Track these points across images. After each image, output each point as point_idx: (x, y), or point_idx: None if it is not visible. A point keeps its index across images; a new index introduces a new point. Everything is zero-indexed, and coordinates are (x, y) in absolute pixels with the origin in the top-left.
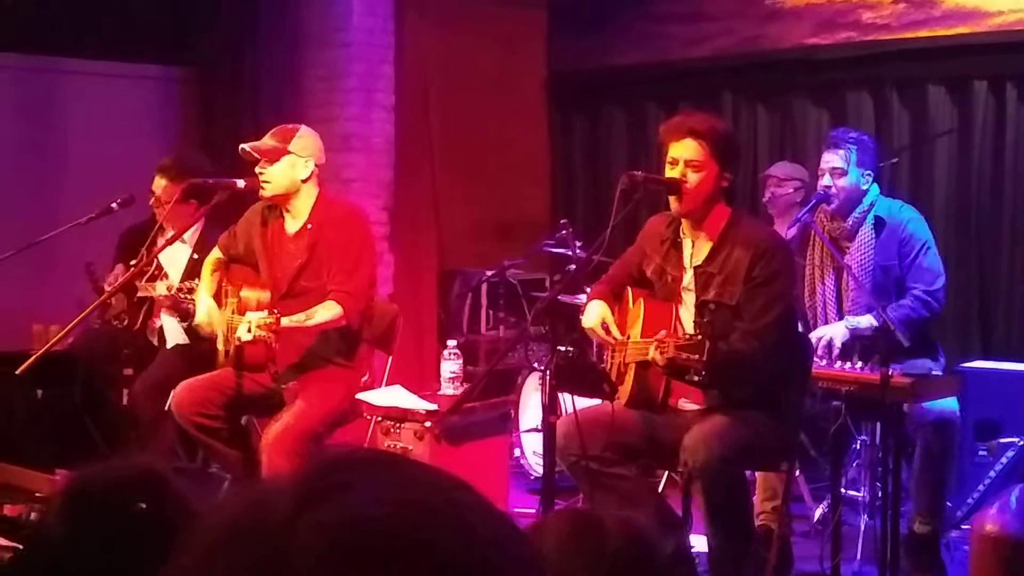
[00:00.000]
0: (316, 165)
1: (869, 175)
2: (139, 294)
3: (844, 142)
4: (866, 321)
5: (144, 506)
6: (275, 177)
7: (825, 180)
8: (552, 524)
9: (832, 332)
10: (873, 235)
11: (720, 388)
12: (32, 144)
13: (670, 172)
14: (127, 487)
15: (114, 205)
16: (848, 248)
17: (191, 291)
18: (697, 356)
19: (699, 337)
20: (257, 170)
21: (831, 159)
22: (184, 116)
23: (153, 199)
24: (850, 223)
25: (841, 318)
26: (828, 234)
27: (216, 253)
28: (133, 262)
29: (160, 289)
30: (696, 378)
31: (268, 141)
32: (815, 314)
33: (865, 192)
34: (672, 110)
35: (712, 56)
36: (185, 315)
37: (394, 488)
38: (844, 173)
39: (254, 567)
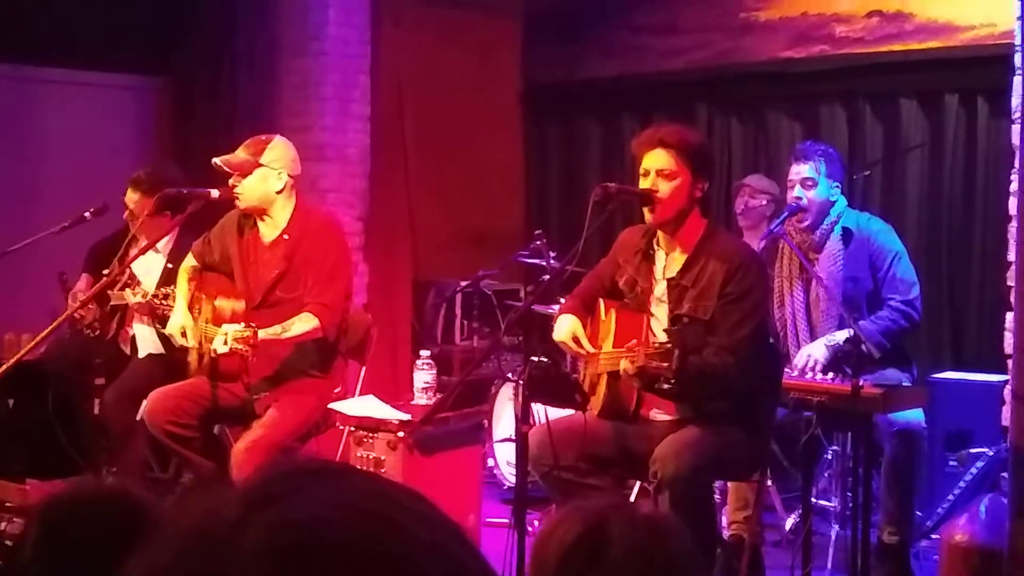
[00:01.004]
0: (290, 176)
1: (837, 187)
2: (112, 303)
3: (813, 154)
4: (842, 336)
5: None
6: (248, 190)
7: (796, 192)
8: (558, 533)
9: (813, 352)
10: (841, 246)
11: (692, 400)
12: (7, 153)
13: (643, 183)
14: (99, 509)
15: (87, 214)
16: (816, 259)
17: (167, 296)
18: (666, 364)
19: (668, 345)
20: (231, 182)
21: (801, 170)
22: (160, 126)
23: (127, 212)
24: (818, 235)
25: (811, 330)
26: (798, 245)
27: (191, 260)
28: (105, 272)
29: (135, 297)
30: (666, 386)
31: (240, 154)
32: (784, 327)
33: (833, 204)
34: (647, 122)
35: (687, 68)
36: (163, 321)
37: (341, 494)
38: (815, 184)
39: (199, 572)
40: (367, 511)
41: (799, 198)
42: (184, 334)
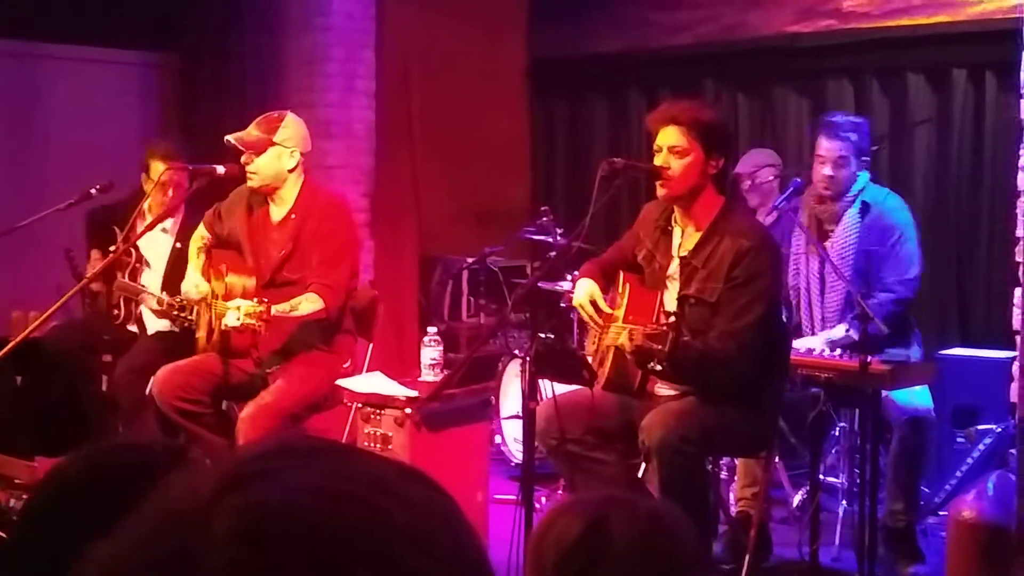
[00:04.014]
0: (302, 154)
1: (865, 160)
2: (122, 294)
3: (848, 130)
4: (840, 331)
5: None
6: (261, 169)
7: (826, 170)
8: (556, 529)
9: (813, 348)
10: (859, 219)
11: (688, 383)
12: (13, 129)
13: (656, 160)
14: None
15: (93, 191)
16: (832, 231)
17: (183, 308)
18: (660, 347)
19: (664, 328)
20: (243, 160)
21: (834, 147)
22: (166, 102)
23: (155, 185)
24: (839, 207)
25: (823, 302)
26: (815, 216)
27: (202, 231)
28: (112, 248)
29: (151, 302)
30: (658, 367)
31: (253, 132)
32: (797, 295)
33: (857, 177)
34: (653, 97)
35: (693, 43)
36: (180, 325)
37: (320, 476)
38: (847, 163)
39: (169, 552)
40: (344, 494)
41: (831, 176)
42: (198, 287)
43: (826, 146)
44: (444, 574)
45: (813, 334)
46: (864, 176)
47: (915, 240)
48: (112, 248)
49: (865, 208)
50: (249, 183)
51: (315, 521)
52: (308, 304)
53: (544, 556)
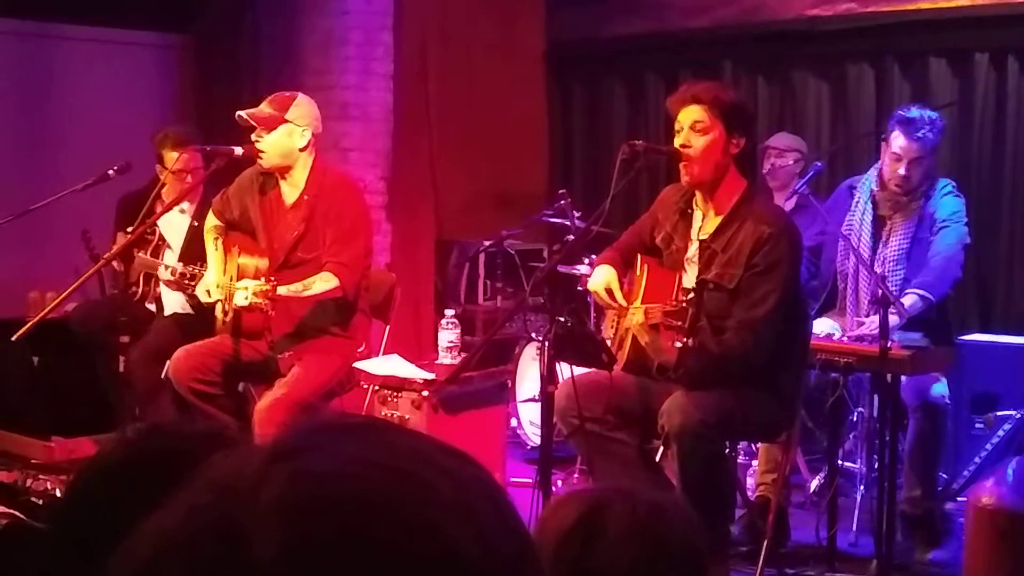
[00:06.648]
0: (313, 134)
1: (936, 156)
2: (141, 270)
3: (923, 131)
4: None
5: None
6: (272, 147)
7: (901, 170)
8: (556, 517)
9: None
10: (919, 211)
11: (706, 387)
12: (28, 111)
13: (677, 140)
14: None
15: (111, 172)
16: (894, 220)
17: (193, 277)
18: (680, 323)
19: (684, 304)
20: (253, 138)
21: (912, 148)
22: (181, 83)
23: (169, 175)
24: (908, 199)
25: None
26: (880, 202)
27: (213, 219)
28: (130, 229)
29: (165, 272)
30: (679, 344)
31: (265, 109)
32: (844, 281)
33: (929, 174)
34: (672, 80)
35: (712, 26)
36: (189, 299)
37: (365, 448)
38: (924, 162)
39: (217, 522)
40: (388, 466)
41: (907, 177)
42: (209, 292)
43: (902, 144)
44: (487, 543)
45: (857, 318)
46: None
47: (957, 235)
48: (129, 229)
49: (926, 199)
50: (260, 161)
51: (361, 490)
52: (322, 283)
53: (544, 543)
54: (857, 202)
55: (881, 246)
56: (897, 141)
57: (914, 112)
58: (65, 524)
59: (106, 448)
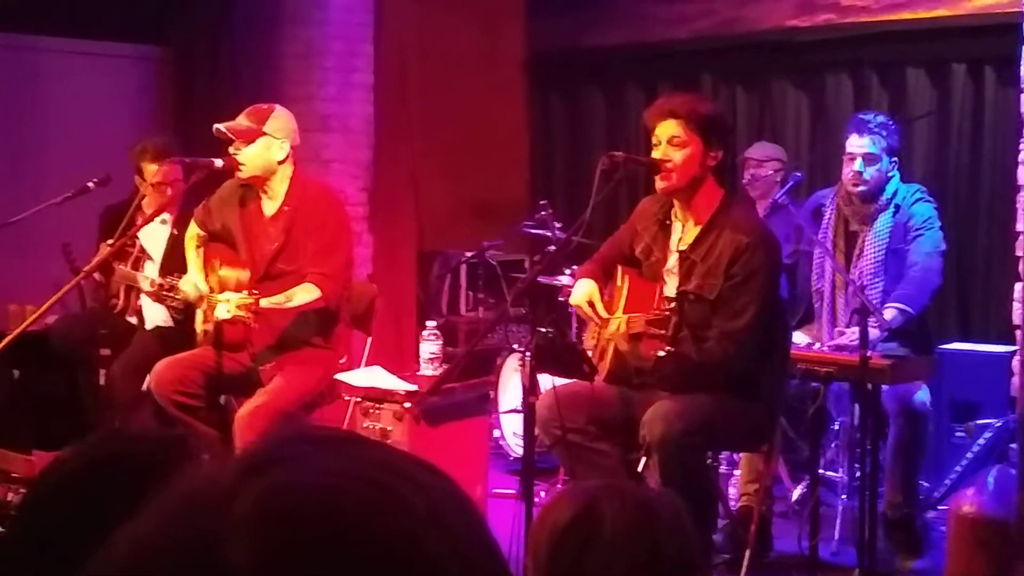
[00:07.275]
0: (292, 146)
1: (895, 161)
2: (122, 281)
3: (876, 127)
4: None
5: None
6: (250, 159)
7: (856, 165)
8: (552, 516)
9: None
10: (891, 221)
11: (687, 391)
12: (8, 122)
13: (655, 153)
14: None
15: (90, 184)
16: (864, 232)
17: (172, 288)
18: (663, 331)
19: (667, 312)
20: (231, 150)
21: (863, 144)
22: (162, 95)
23: (148, 187)
24: (873, 209)
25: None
26: (843, 217)
27: (194, 228)
28: (110, 241)
29: (144, 283)
30: (661, 353)
31: (243, 121)
32: (820, 299)
33: (890, 179)
34: (651, 91)
35: (691, 37)
36: (170, 311)
37: (340, 461)
38: (877, 159)
39: (191, 535)
40: (364, 478)
41: (860, 172)
42: (197, 286)
43: (855, 142)
44: (460, 554)
45: (837, 328)
46: (896, 177)
47: (932, 242)
48: (110, 242)
49: (896, 209)
50: (238, 174)
51: (334, 501)
52: (304, 294)
53: (540, 543)
54: (828, 220)
55: (856, 259)
56: (850, 140)
57: (868, 115)
58: (23, 530)
59: (64, 455)
